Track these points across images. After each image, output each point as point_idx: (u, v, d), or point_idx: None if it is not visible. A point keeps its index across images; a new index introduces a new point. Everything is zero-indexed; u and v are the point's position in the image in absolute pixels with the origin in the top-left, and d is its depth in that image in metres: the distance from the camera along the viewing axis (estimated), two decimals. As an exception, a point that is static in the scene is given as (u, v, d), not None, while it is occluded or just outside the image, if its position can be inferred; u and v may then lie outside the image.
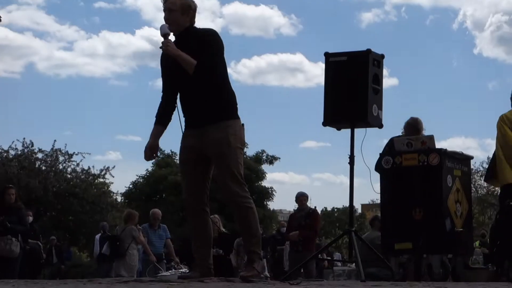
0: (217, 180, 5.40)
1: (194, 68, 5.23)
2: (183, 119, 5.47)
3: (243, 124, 5.45)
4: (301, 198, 12.64)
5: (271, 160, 40.58)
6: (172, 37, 5.43)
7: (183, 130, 5.49)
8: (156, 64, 58.68)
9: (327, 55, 7.65)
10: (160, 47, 5.38)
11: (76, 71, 52.95)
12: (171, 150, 40.31)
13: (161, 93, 5.60)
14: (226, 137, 5.30)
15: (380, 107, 7.62)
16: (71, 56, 53.21)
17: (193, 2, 5.50)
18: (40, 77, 51.39)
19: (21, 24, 58.02)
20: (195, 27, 5.49)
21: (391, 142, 8.39)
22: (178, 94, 5.50)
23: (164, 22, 5.44)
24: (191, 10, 5.44)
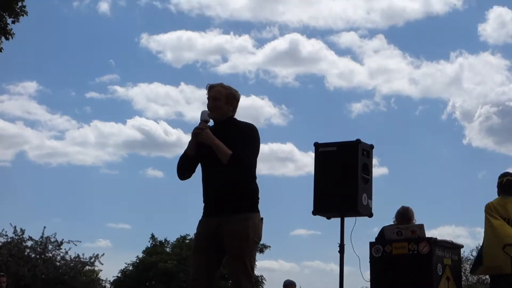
0: (230, 271, 5.33)
1: (229, 158, 5.24)
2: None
3: (262, 218, 5.41)
4: (290, 286, 12.56)
5: (261, 248, 40.39)
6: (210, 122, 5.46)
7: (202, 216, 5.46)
8: (146, 153, 58.88)
9: (317, 145, 7.79)
10: (194, 131, 5.36)
11: (67, 159, 53.00)
12: (164, 239, 40.15)
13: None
14: (245, 230, 5.24)
15: (370, 196, 7.72)
16: (62, 145, 53.48)
17: (238, 92, 5.53)
18: (31, 166, 51.51)
19: (13, 114, 58.47)
20: (235, 118, 5.51)
21: (382, 231, 8.45)
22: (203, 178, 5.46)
23: (206, 108, 5.44)
24: (235, 100, 5.48)
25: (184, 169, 5.47)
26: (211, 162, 5.33)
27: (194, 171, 5.52)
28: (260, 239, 5.44)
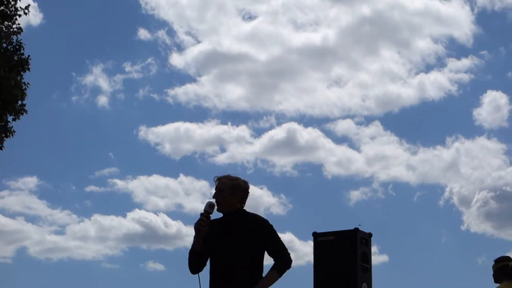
0: None
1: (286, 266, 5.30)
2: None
3: None
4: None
5: None
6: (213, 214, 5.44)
7: None
8: (146, 246, 58.54)
9: (315, 235, 7.80)
10: (195, 227, 5.34)
11: (67, 254, 52.66)
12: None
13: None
14: None
15: (370, 285, 7.69)
16: (63, 240, 53.28)
17: (246, 183, 5.48)
18: (32, 261, 51.16)
19: (13, 209, 58.40)
20: (245, 210, 5.46)
21: None
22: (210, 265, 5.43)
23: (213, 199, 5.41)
24: (241, 191, 5.41)
25: (195, 264, 5.42)
26: (219, 257, 5.31)
27: (205, 264, 5.46)
28: None
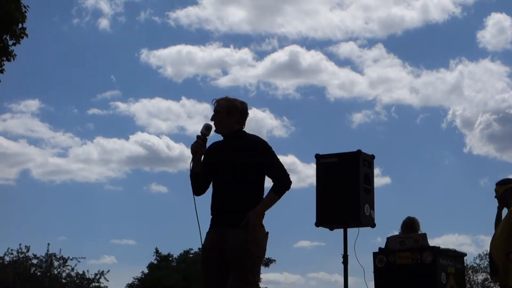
0: (232, 286, 5.28)
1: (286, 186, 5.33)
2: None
3: (267, 233, 5.38)
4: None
5: (267, 262, 40.27)
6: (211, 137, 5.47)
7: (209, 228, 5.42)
8: (149, 168, 58.76)
9: (318, 157, 7.82)
10: (192, 149, 5.36)
11: (70, 177, 52.89)
12: (168, 253, 40.10)
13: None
14: (246, 244, 5.21)
15: (372, 207, 7.75)
16: (66, 163, 53.49)
17: (243, 104, 5.49)
18: (35, 184, 51.49)
19: (15, 132, 58.45)
20: (244, 131, 5.47)
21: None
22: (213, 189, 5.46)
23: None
24: (237, 112, 5.41)
25: (197, 186, 5.44)
26: (220, 175, 5.33)
27: (208, 186, 5.50)
28: (264, 255, 5.44)
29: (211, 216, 5.43)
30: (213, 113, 5.45)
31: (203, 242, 5.42)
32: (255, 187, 5.38)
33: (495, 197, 7.66)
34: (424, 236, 8.10)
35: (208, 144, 5.46)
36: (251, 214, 5.22)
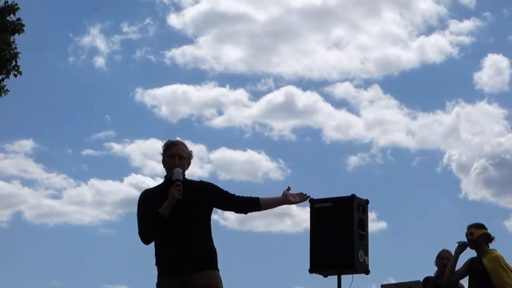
0: None
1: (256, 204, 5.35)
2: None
3: None
4: None
5: (259, 307, 39.83)
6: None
7: (159, 277, 5.28)
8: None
9: (312, 201, 7.70)
10: (173, 193, 5.20)
11: (64, 219, 52.75)
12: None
13: (141, 234, 5.35)
14: (217, 285, 5.20)
15: (366, 253, 7.60)
16: (59, 204, 53.37)
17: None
18: (27, 226, 51.32)
19: (9, 173, 58.40)
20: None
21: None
22: (158, 241, 5.32)
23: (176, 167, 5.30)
24: (191, 160, 5.47)
25: (155, 232, 5.29)
26: (182, 220, 5.23)
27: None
28: None
29: (158, 266, 5.32)
30: (173, 156, 5.36)
31: None
32: (209, 232, 5.37)
33: (467, 240, 7.52)
34: (418, 283, 7.93)
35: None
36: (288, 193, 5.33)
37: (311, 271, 7.64)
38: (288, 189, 5.37)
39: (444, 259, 8.26)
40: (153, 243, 5.36)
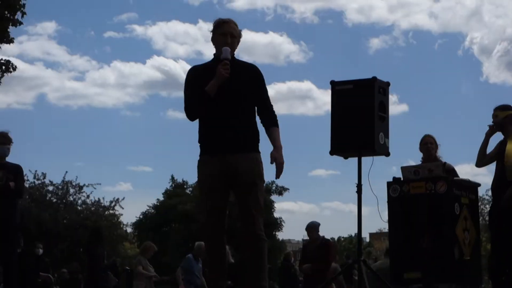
0: (243, 210, 5.29)
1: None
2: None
3: None
4: (309, 229, 12.47)
5: (280, 191, 40.44)
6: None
7: (202, 155, 5.35)
8: (166, 93, 58.55)
9: (333, 83, 7.70)
10: (221, 72, 5.18)
11: (87, 102, 52.83)
12: (182, 179, 40.38)
13: (187, 109, 5.35)
14: (258, 169, 5.28)
15: (386, 135, 7.64)
16: (83, 87, 53.32)
17: None
18: (51, 109, 51.61)
19: (32, 55, 58.35)
20: (234, 57, 5.44)
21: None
22: (204, 118, 5.35)
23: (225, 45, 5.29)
24: (240, 39, 5.43)
25: (201, 109, 5.31)
26: (229, 101, 5.24)
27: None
28: None
29: (203, 144, 5.35)
30: (225, 35, 5.32)
31: (201, 170, 5.35)
32: (254, 113, 5.40)
33: (493, 122, 7.56)
34: (438, 165, 8.00)
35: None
36: (277, 155, 5.23)
37: (332, 153, 7.69)
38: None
39: (427, 144, 8.39)
40: (197, 121, 5.39)
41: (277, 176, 5.26)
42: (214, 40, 5.41)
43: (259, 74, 5.39)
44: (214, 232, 5.33)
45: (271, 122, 5.38)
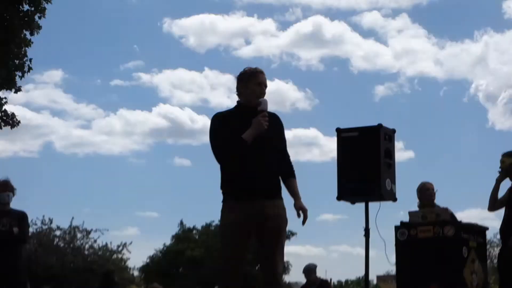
0: (267, 255, 5.29)
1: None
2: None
3: None
4: (307, 272, 12.46)
5: (288, 235, 40.34)
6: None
7: (228, 201, 5.35)
8: (173, 141, 58.83)
9: (339, 131, 7.80)
10: (261, 123, 5.23)
11: (93, 149, 52.95)
12: (193, 226, 40.35)
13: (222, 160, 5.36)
14: (284, 215, 5.32)
15: (393, 181, 7.73)
16: (89, 135, 53.61)
17: None
18: (57, 156, 51.76)
19: (38, 103, 58.59)
20: None
21: None
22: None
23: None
24: None
25: (238, 155, 5.27)
26: (264, 148, 5.29)
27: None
28: None
29: (231, 189, 5.34)
30: (260, 85, 5.37)
31: (225, 216, 5.35)
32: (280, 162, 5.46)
33: (500, 167, 7.66)
34: (445, 210, 8.08)
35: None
36: (302, 205, 5.33)
37: (339, 198, 7.78)
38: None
39: (429, 190, 8.44)
40: (219, 168, 5.40)
41: (304, 223, 5.34)
42: (246, 88, 5.40)
43: (282, 125, 5.50)
44: (232, 280, 5.35)
45: (290, 173, 5.48)
